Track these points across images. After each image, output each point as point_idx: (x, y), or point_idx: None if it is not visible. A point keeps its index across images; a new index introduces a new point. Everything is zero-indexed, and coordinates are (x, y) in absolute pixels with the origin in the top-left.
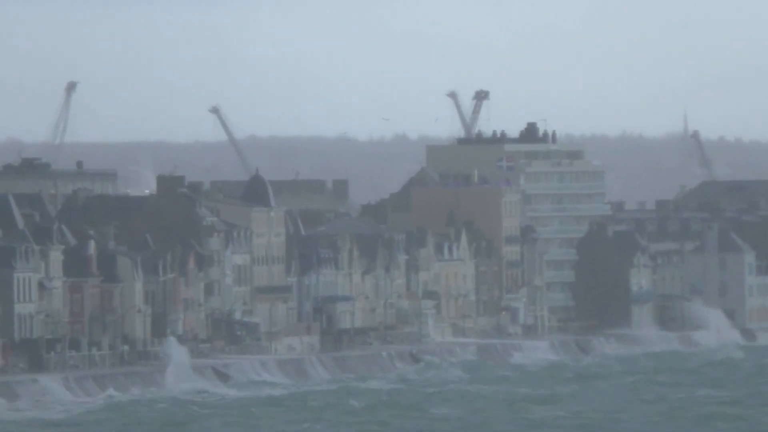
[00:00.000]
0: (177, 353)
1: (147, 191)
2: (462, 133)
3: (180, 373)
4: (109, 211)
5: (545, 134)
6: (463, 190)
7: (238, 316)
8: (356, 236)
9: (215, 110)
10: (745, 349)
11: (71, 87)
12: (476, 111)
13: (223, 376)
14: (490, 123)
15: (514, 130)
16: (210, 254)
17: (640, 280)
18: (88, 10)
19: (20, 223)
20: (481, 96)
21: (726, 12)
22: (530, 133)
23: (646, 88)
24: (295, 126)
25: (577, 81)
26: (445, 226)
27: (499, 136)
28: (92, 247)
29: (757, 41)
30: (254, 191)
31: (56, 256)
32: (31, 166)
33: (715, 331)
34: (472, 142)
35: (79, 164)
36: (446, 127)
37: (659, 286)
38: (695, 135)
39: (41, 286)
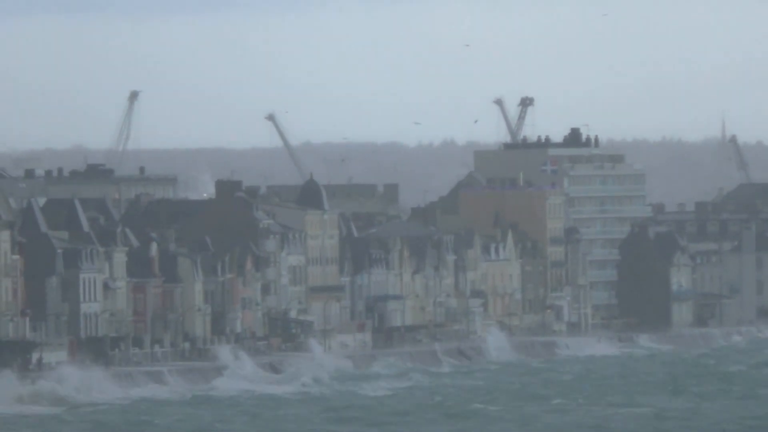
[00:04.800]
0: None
1: (206, 195)
2: (508, 139)
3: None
4: (170, 214)
5: (588, 139)
6: (509, 193)
7: (293, 314)
8: (406, 238)
9: (271, 118)
10: None
11: (134, 96)
12: (521, 117)
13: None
14: (534, 128)
15: (558, 135)
16: (266, 255)
17: (679, 279)
18: (150, 22)
19: (86, 226)
20: (526, 102)
21: (763, 17)
22: (574, 138)
23: (685, 94)
24: (348, 133)
25: (619, 88)
26: (492, 228)
27: (543, 141)
28: (154, 249)
29: None
30: (308, 195)
31: (120, 257)
32: (96, 172)
33: None
34: (517, 147)
35: (142, 170)
36: (493, 132)
37: (698, 284)
38: (733, 139)
39: (106, 286)
